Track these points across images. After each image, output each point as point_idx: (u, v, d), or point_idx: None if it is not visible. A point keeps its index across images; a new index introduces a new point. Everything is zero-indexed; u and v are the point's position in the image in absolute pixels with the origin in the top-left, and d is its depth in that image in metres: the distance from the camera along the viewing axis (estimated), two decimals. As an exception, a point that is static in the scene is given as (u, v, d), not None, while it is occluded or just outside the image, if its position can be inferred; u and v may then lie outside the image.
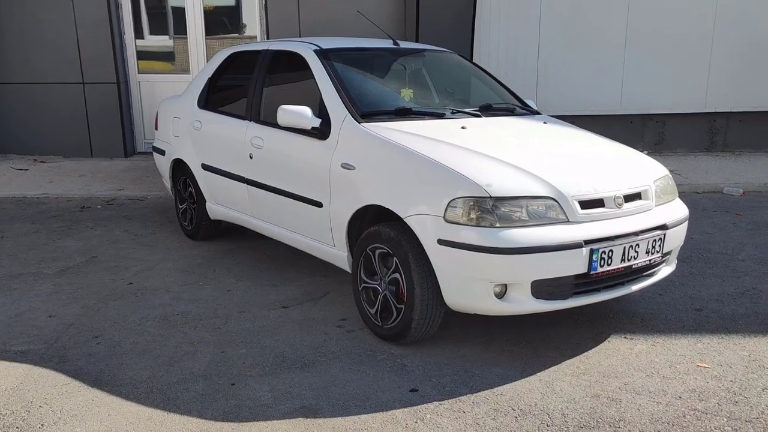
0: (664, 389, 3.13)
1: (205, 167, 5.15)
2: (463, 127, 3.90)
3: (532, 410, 2.96)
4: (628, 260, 3.40)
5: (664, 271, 3.77)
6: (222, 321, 3.95)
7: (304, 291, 4.44)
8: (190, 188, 5.50)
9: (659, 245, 3.55)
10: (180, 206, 5.74)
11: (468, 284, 3.26)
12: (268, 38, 8.83)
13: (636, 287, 3.57)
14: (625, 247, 3.36)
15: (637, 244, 3.42)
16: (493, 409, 2.96)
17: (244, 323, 3.92)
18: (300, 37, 8.69)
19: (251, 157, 4.58)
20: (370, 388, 3.15)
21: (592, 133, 4.30)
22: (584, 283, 3.34)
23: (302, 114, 3.99)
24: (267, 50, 4.80)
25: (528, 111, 4.60)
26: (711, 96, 9.05)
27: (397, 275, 3.50)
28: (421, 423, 2.87)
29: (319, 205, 4.01)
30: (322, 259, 4.20)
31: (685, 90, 9.01)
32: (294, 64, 4.54)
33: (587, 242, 3.23)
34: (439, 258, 3.30)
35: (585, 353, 3.51)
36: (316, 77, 4.22)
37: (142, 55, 9.15)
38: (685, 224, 3.80)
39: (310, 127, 4.00)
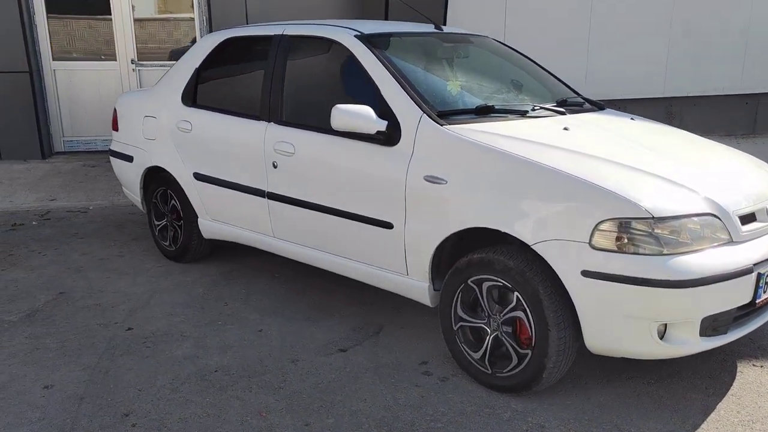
0: None
1: (200, 177, 4.24)
2: (565, 129, 3.28)
3: (734, 479, 2.43)
4: (782, 282, 2.94)
5: (788, 286, 3.35)
6: (278, 377, 3.14)
7: (351, 326, 3.69)
8: (172, 201, 4.56)
9: (801, 260, 3.12)
10: (156, 223, 4.77)
11: (623, 324, 2.66)
12: (210, 22, 7.78)
13: (777, 309, 3.12)
14: (781, 268, 2.89)
15: (788, 262, 2.96)
16: (694, 484, 2.40)
17: (307, 378, 3.13)
18: (248, 22, 7.76)
19: (275, 167, 3.75)
20: (528, 466, 2.50)
21: (686, 132, 3.81)
22: (744, 314, 2.84)
23: (364, 115, 3.23)
24: (283, 35, 3.94)
25: (593, 104, 4.03)
26: (669, 81, 9.07)
27: (519, 313, 2.86)
28: None
29: (387, 226, 3.28)
30: (387, 289, 3.46)
31: (646, 75, 8.99)
32: (327, 53, 3.75)
33: (755, 265, 2.73)
34: (583, 293, 2.68)
35: (731, 392, 3.02)
36: (368, 69, 3.44)
37: (57, 38, 7.84)
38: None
39: (374, 132, 3.24)
